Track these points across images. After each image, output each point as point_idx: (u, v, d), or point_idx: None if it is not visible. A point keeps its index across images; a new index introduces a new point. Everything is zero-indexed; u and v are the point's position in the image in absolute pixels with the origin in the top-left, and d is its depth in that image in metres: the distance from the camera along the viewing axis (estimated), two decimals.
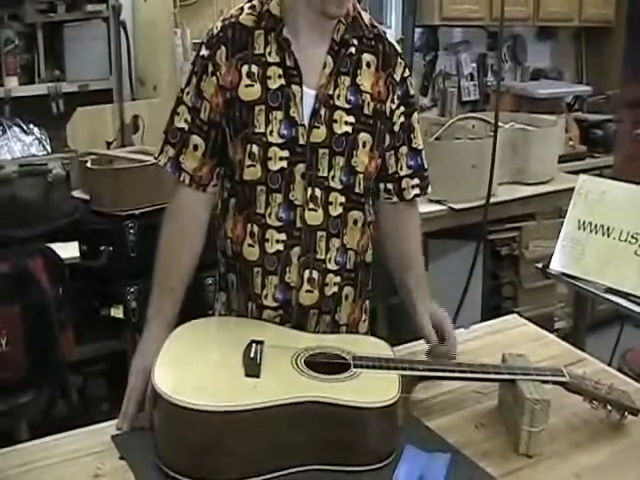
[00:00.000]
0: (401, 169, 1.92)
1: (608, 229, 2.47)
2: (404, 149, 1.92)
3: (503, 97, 4.60)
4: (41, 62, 3.53)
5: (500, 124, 3.74)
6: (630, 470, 1.57)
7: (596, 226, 2.49)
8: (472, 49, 5.23)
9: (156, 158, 1.90)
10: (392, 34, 4.78)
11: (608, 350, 3.44)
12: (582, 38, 5.77)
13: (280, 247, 1.82)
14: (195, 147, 1.83)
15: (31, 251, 2.63)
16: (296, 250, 1.83)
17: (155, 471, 1.51)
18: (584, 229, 2.51)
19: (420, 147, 1.95)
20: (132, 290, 2.86)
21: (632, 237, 2.41)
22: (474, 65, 5.22)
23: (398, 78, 1.87)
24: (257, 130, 1.77)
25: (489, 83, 5.18)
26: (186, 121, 1.83)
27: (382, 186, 1.94)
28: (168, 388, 1.49)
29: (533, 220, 3.96)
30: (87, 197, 3.13)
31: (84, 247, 2.88)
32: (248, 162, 1.78)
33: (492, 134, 3.62)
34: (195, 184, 1.85)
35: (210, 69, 1.79)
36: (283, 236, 1.82)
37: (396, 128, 1.89)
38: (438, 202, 3.55)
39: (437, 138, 3.79)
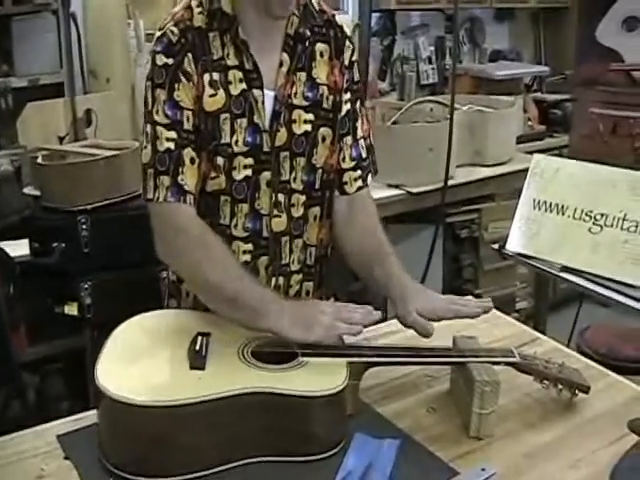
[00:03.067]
0: (344, 160, 1.87)
1: (562, 207, 2.46)
2: (349, 139, 1.87)
3: (461, 79, 4.60)
4: None
5: (457, 106, 3.73)
6: (581, 447, 1.56)
7: (550, 205, 2.48)
8: (430, 32, 5.21)
9: (149, 200, 1.69)
10: (349, 19, 4.75)
11: (570, 329, 3.45)
12: (540, 19, 5.77)
13: (247, 258, 1.78)
14: (192, 160, 1.68)
15: None
16: (263, 260, 1.79)
17: (100, 470, 1.48)
18: (539, 208, 2.50)
19: (361, 135, 1.90)
20: (86, 286, 2.82)
21: (586, 215, 2.40)
22: (432, 48, 5.20)
23: (347, 62, 1.83)
24: (223, 141, 1.69)
25: (447, 66, 5.15)
26: (170, 139, 1.67)
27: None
28: (111, 384, 1.47)
29: (492, 201, 3.96)
30: (38, 194, 3.08)
31: (35, 244, 2.83)
32: (212, 174, 1.71)
33: (449, 117, 3.60)
34: (196, 202, 1.71)
35: (183, 78, 1.66)
36: (250, 246, 1.78)
37: (341, 114, 1.84)
38: (396, 186, 3.53)
39: (394, 122, 3.77)
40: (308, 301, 1.82)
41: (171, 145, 1.67)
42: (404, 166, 3.47)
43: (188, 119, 1.67)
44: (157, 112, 1.68)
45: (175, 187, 1.67)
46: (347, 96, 1.85)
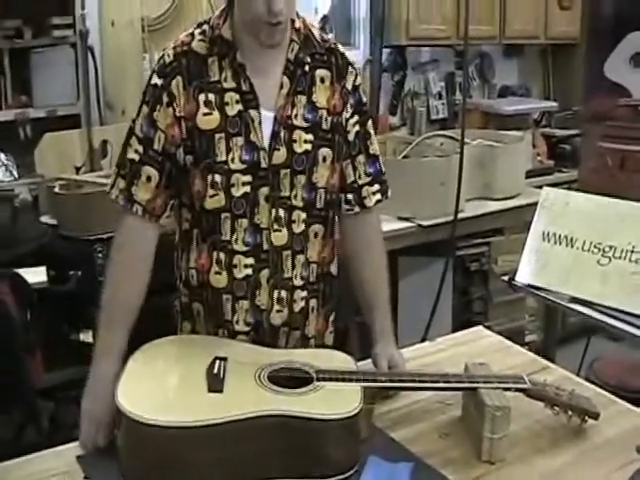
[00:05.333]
0: (360, 177, 1.95)
1: (572, 240, 2.49)
2: (361, 157, 1.94)
3: (471, 114, 4.64)
4: (8, 88, 3.51)
5: (467, 141, 3.77)
6: (590, 473, 1.59)
7: (560, 237, 2.51)
8: (440, 68, 5.26)
9: (108, 193, 1.85)
10: (360, 55, 4.82)
11: (578, 363, 3.46)
12: (548, 55, 5.82)
13: (249, 271, 1.83)
14: (148, 178, 1.79)
15: None
16: (265, 272, 1.83)
17: None
18: (548, 240, 2.53)
19: (377, 153, 1.98)
20: None
21: (595, 247, 2.43)
22: (442, 84, 5.25)
23: (350, 87, 1.90)
24: (219, 159, 1.76)
25: (457, 101, 5.21)
26: (137, 152, 1.79)
27: (342, 197, 1.96)
28: (130, 405, 1.50)
29: (502, 235, 3.97)
30: (55, 222, 3.13)
31: (52, 272, 2.87)
32: (211, 192, 1.78)
33: (459, 151, 3.64)
34: (148, 214, 1.81)
35: (165, 99, 1.77)
36: (251, 260, 1.82)
37: (351, 137, 1.91)
38: (406, 219, 3.55)
39: (405, 156, 3.82)
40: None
41: (136, 157, 1.80)
42: (415, 199, 3.51)
43: (159, 140, 1.78)
44: (138, 124, 1.81)
45: (127, 193, 1.81)
46: (356, 118, 1.92)
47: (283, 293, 1.86)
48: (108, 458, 1.60)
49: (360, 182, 1.95)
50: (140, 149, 1.79)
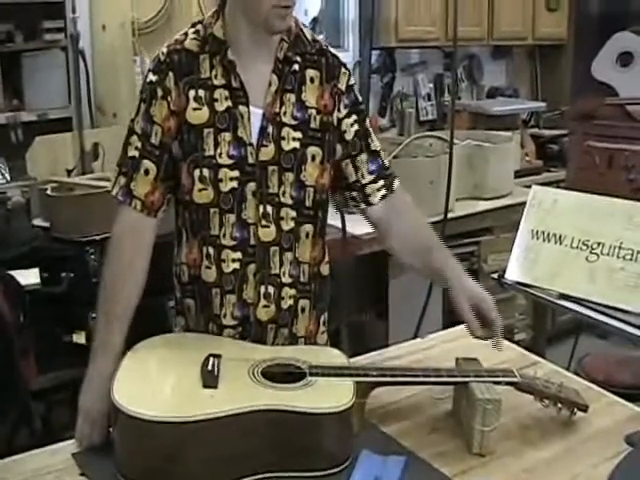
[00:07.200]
0: (362, 177, 1.95)
1: (560, 237, 2.51)
2: (363, 156, 1.94)
3: (459, 115, 4.67)
4: None
5: (456, 141, 3.80)
6: (579, 464, 1.61)
7: (548, 234, 2.54)
8: (429, 69, 5.30)
9: (109, 192, 1.88)
10: (349, 57, 4.85)
11: (567, 360, 3.49)
12: (536, 56, 5.87)
13: (236, 266, 1.85)
14: (146, 171, 1.82)
15: None
16: (251, 267, 1.85)
17: None
18: (537, 238, 2.56)
19: (378, 148, 1.98)
20: (94, 315, 2.83)
21: (583, 244, 2.46)
22: (431, 85, 5.29)
23: (343, 87, 1.91)
24: (207, 153, 1.79)
25: (446, 102, 5.24)
26: (137, 148, 1.82)
27: (347, 194, 1.97)
28: (126, 401, 1.52)
29: (491, 234, 4.00)
30: (47, 225, 3.15)
31: (45, 274, 2.89)
32: (200, 186, 1.80)
33: (448, 151, 3.67)
34: (147, 209, 1.83)
35: (160, 93, 1.79)
36: (239, 255, 1.85)
37: (348, 137, 1.92)
38: None
39: (395, 157, 3.84)
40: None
41: (136, 154, 1.83)
42: None
43: (156, 134, 1.81)
44: (137, 122, 1.84)
45: (126, 189, 1.84)
46: (353, 118, 1.93)
47: (270, 289, 1.88)
48: (104, 455, 1.62)
49: (363, 181, 1.95)
50: (139, 145, 1.81)
